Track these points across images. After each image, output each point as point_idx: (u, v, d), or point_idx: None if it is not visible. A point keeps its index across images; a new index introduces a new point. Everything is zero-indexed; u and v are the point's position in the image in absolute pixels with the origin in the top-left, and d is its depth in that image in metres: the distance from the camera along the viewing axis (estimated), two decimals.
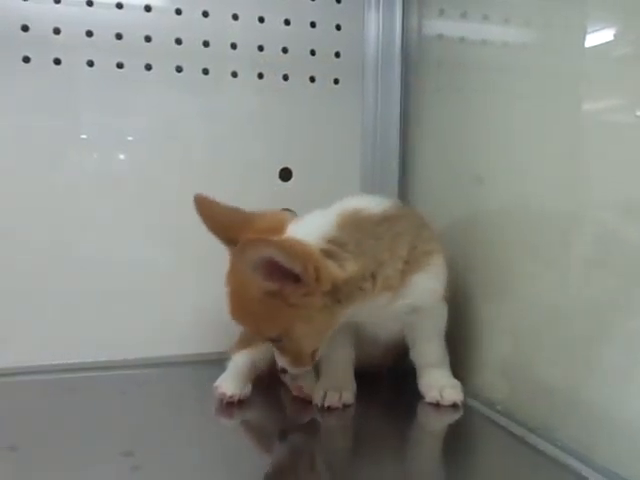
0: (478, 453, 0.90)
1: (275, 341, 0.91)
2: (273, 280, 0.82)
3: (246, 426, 0.98)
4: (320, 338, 0.91)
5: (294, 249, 0.81)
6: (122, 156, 1.20)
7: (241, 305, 0.89)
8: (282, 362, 0.93)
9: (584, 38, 0.82)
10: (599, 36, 0.81)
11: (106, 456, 0.82)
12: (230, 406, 0.98)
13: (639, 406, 0.74)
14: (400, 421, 0.98)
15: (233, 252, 0.91)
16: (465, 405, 0.98)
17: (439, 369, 1.02)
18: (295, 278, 0.82)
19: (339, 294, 0.87)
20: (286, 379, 1.04)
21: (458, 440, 0.93)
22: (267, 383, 1.05)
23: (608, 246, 0.79)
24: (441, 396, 0.98)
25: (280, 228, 0.89)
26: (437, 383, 1.00)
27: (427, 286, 0.96)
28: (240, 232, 0.90)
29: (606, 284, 0.79)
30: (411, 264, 0.93)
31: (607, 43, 0.80)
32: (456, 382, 1.01)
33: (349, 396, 0.99)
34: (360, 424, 0.96)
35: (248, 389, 1.01)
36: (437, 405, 0.98)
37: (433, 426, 0.98)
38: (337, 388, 0.99)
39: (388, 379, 1.11)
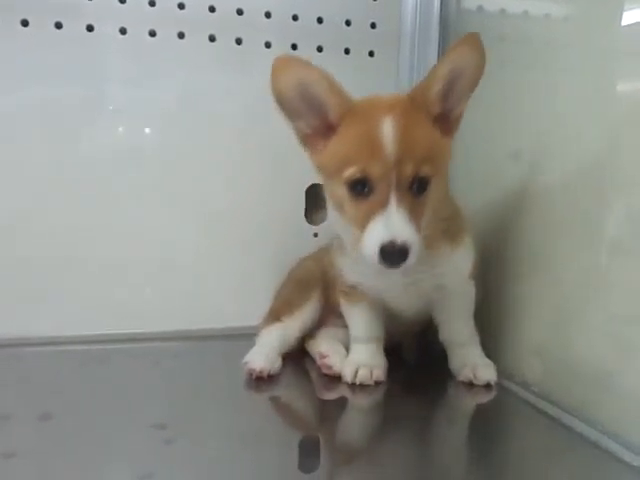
0: (511, 434, 0.89)
1: (414, 191, 0.82)
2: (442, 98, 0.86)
3: (275, 402, 0.97)
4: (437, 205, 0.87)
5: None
6: (149, 128, 1.19)
7: (413, 135, 0.82)
8: (414, 240, 0.80)
9: (621, 16, 0.81)
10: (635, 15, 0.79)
11: (139, 428, 0.82)
12: (259, 381, 0.97)
13: None
14: (431, 400, 0.97)
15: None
16: (499, 385, 0.97)
17: (470, 348, 1.01)
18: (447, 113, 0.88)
19: None
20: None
21: (491, 420, 0.91)
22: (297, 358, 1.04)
23: (638, 230, 0.78)
24: (474, 375, 0.97)
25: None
26: (470, 362, 0.99)
27: (454, 262, 0.95)
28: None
29: (635, 268, 0.78)
30: (447, 235, 0.93)
31: None
32: (489, 361, 1.00)
33: (380, 373, 0.98)
34: (391, 402, 0.95)
35: (278, 364, 1.01)
36: (470, 384, 0.97)
37: (465, 406, 0.97)
38: (368, 365, 0.98)
39: (420, 358, 1.10)
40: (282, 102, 0.87)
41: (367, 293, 0.99)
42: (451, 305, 1.00)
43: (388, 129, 0.81)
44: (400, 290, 0.96)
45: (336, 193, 0.87)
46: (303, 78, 0.85)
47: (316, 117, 0.87)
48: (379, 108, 0.84)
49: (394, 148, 0.81)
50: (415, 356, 1.11)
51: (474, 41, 0.84)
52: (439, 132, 0.86)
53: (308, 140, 0.90)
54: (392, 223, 0.80)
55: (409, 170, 0.81)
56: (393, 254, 0.80)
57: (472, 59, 0.84)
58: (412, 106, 0.85)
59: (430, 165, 0.83)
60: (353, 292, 1.00)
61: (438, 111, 0.86)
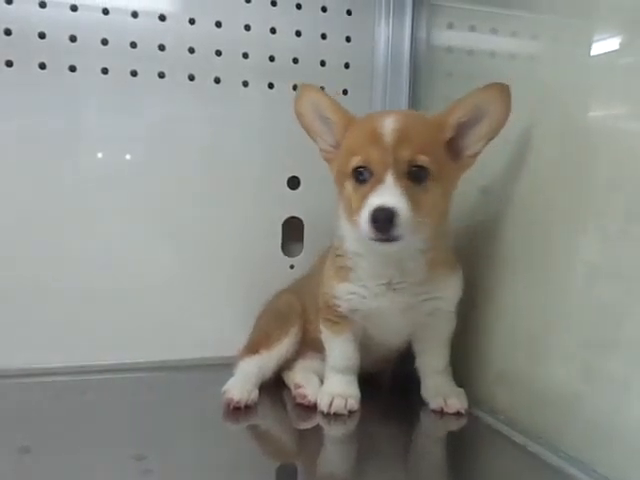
0: (481, 461, 0.91)
1: (412, 179, 0.87)
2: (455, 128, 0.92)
3: (252, 431, 0.99)
4: (438, 208, 0.92)
5: None
6: (130, 163, 1.21)
7: (415, 126, 0.91)
8: (402, 207, 0.84)
9: (590, 50, 0.84)
10: (604, 46, 0.83)
11: (118, 459, 0.83)
12: (237, 411, 0.99)
13: (639, 414, 0.75)
14: (404, 428, 1.00)
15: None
16: (468, 413, 1.00)
17: (443, 377, 1.04)
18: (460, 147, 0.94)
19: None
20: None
21: (461, 448, 0.94)
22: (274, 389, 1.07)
23: (609, 255, 0.81)
24: (445, 403, 1.00)
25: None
26: (441, 391, 1.02)
27: (451, 286, 1.00)
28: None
29: (607, 292, 0.81)
30: (447, 262, 0.99)
31: (612, 52, 0.82)
32: (460, 390, 1.03)
33: (354, 403, 1.01)
34: (364, 431, 0.97)
35: (255, 395, 1.03)
36: (441, 412, 1.00)
37: (437, 433, 1.00)
38: (343, 395, 1.00)
39: (391, 386, 1.13)
40: (301, 120, 1.01)
41: (356, 322, 1.02)
42: (434, 333, 1.03)
43: (388, 122, 0.89)
44: (396, 318, 0.99)
45: (347, 192, 0.93)
46: (314, 100, 0.99)
47: (329, 134, 0.99)
48: (386, 112, 0.99)
49: (393, 134, 0.88)
50: (388, 385, 1.13)
51: (504, 90, 0.91)
52: (447, 154, 0.93)
53: (327, 156, 1.02)
54: (384, 193, 0.86)
55: (405, 154, 0.87)
56: (381, 217, 0.84)
57: (498, 106, 0.91)
58: (424, 119, 0.96)
59: (428, 158, 0.88)
60: (340, 321, 1.02)
61: (451, 136, 0.92)
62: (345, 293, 1.00)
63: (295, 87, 1.27)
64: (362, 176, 0.90)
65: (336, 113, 0.98)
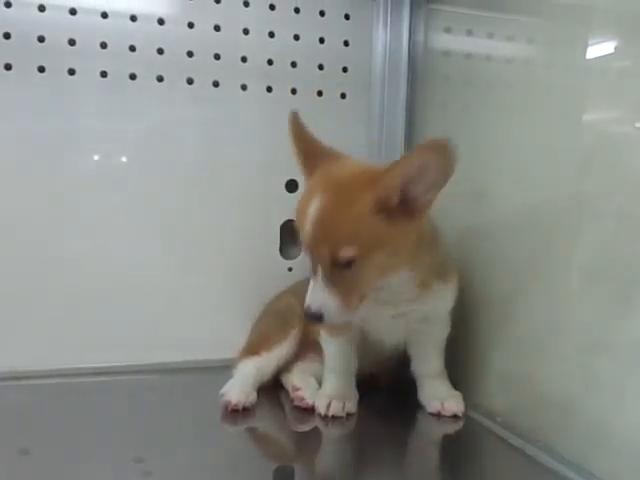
0: (478, 464, 0.92)
1: (340, 267, 0.85)
2: (400, 192, 0.85)
3: (250, 433, 1.00)
4: (379, 280, 0.90)
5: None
6: (127, 166, 1.21)
7: (334, 217, 0.85)
8: (327, 306, 0.86)
9: (585, 54, 0.85)
10: (600, 50, 0.83)
11: (116, 461, 0.84)
12: (235, 413, 0.99)
13: (636, 419, 0.75)
14: (401, 431, 1.00)
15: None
16: (466, 416, 1.00)
17: (440, 380, 1.05)
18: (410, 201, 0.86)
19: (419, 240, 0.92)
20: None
21: (458, 451, 0.95)
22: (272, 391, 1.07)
23: (605, 260, 0.81)
24: (442, 407, 1.01)
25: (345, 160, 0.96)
26: (439, 394, 1.03)
27: (443, 295, 1.00)
28: (321, 162, 0.94)
29: (604, 297, 0.81)
30: (439, 273, 0.98)
31: (607, 56, 0.82)
32: (457, 393, 1.04)
33: (352, 406, 1.01)
34: (362, 433, 0.98)
35: (253, 397, 1.03)
36: (438, 415, 1.01)
37: (434, 436, 1.00)
38: (341, 397, 1.01)
39: (389, 389, 1.13)
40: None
41: (352, 325, 1.02)
42: (428, 338, 1.04)
43: (313, 210, 0.85)
44: (388, 321, 1.00)
45: None
46: (293, 134, 0.97)
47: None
48: (321, 183, 0.89)
49: (311, 231, 0.85)
50: (386, 388, 1.13)
51: (441, 148, 0.82)
52: (390, 218, 0.85)
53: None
54: (313, 290, 0.88)
55: (324, 252, 0.85)
56: (309, 316, 0.88)
57: (438, 164, 0.82)
58: (359, 186, 0.85)
59: (352, 249, 0.84)
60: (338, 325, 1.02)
61: (398, 201, 0.85)
62: None
63: (294, 91, 1.28)
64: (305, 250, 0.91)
65: (299, 156, 0.97)
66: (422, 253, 0.93)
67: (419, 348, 1.05)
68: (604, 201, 0.82)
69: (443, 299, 1.00)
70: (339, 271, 0.85)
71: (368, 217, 0.84)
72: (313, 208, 0.85)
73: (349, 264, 0.85)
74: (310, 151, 0.95)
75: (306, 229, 0.86)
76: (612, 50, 0.82)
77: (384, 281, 0.90)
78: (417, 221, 0.88)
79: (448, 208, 1.19)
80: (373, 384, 1.09)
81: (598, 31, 0.84)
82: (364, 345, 1.05)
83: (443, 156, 0.82)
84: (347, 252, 0.84)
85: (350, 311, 0.88)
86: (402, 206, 0.85)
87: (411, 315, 0.99)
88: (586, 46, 0.85)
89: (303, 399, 1.02)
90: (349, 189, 0.86)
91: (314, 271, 0.87)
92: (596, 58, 0.84)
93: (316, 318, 0.87)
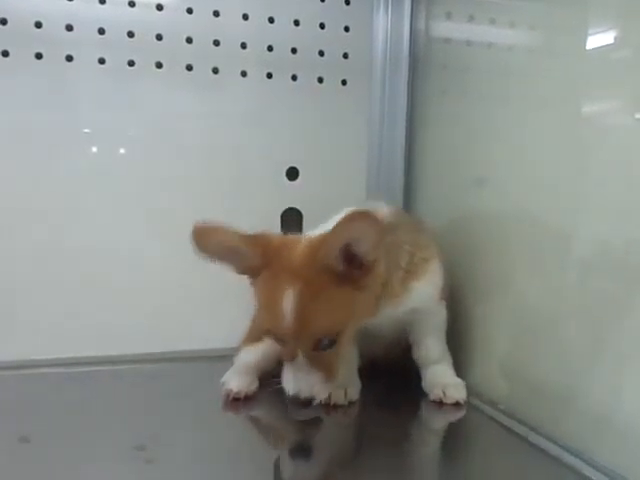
0: (480, 451, 0.92)
1: (321, 349, 0.86)
2: (345, 263, 0.84)
3: (252, 422, 0.99)
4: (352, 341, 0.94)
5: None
6: (126, 153, 1.21)
7: (311, 306, 0.83)
8: (316, 388, 0.87)
9: (585, 41, 0.84)
10: (600, 39, 0.83)
11: (118, 450, 0.84)
12: (236, 401, 0.99)
13: (637, 406, 0.75)
14: (403, 419, 1.00)
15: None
16: (468, 403, 1.00)
17: (442, 367, 1.04)
18: (358, 265, 0.84)
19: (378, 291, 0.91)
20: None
21: (460, 438, 0.95)
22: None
23: (604, 249, 0.81)
24: (444, 394, 1.00)
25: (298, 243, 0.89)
26: (440, 381, 1.02)
27: (424, 292, 0.99)
28: (268, 249, 0.89)
29: (605, 285, 0.81)
30: (410, 272, 0.97)
31: (608, 46, 0.81)
32: (459, 380, 1.03)
33: (354, 393, 1.01)
34: (364, 422, 0.98)
35: (254, 385, 1.03)
36: (440, 403, 1.00)
37: (436, 424, 1.00)
38: (342, 385, 1.00)
39: (391, 377, 1.13)
40: (210, 259, 0.90)
41: None
42: (424, 325, 1.04)
43: (287, 303, 0.83)
44: (380, 316, 0.98)
45: None
46: (220, 237, 0.89)
47: (243, 262, 0.90)
48: (284, 275, 0.85)
49: (291, 324, 0.83)
50: (388, 375, 1.13)
51: (363, 218, 0.79)
52: (348, 288, 0.85)
53: (246, 275, 0.92)
54: (297, 377, 0.86)
55: (308, 342, 0.85)
56: (299, 403, 0.86)
57: (363, 232, 0.80)
58: (316, 269, 0.84)
59: (334, 331, 0.86)
60: None
61: (342, 268, 0.84)
62: None
63: (294, 77, 1.26)
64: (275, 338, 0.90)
65: (252, 247, 0.88)
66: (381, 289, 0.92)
67: (418, 334, 1.05)
68: (604, 192, 0.81)
69: (423, 294, 0.99)
70: (319, 352, 0.86)
71: (335, 295, 0.84)
72: (287, 302, 0.83)
73: (331, 345, 0.86)
74: (258, 244, 0.89)
75: (283, 322, 0.84)
76: (612, 39, 0.81)
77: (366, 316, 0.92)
78: (374, 275, 0.87)
79: (447, 195, 1.20)
80: (375, 372, 1.09)
81: (599, 19, 0.83)
82: (363, 333, 1.04)
83: (364, 224, 0.79)
84: (330, 335, 0.86)
85: (334, 381, 0.90)
86: (351, 269, 0.84)
87: (396, 312, 0.98)
88: (587, 34, 0.84)
89: None
90: (310, 274, 0.83)
91: (291, 356, 0.86)
92: (597, 47, 0.83)
93: (307, 403, 0.87)
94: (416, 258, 0.98)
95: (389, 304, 0.95)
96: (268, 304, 0.87)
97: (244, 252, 0.88)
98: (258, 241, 0.89)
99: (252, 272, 0.90)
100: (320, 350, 0.86)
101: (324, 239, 0.84)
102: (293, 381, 0.86)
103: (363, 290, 0.87)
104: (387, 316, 0.98)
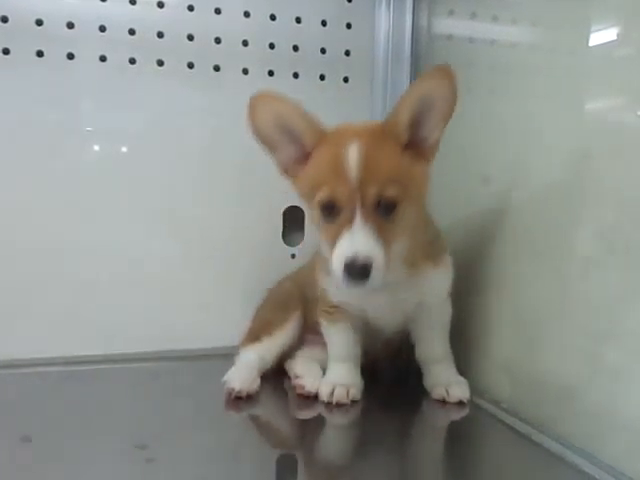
0: (483, 450, 0.91)
1: (380, 214, 0.84)
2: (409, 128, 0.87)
3: (254, 420, 0.99)
4: (408, 233, 0.89)
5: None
6: (128, 151, 1.21)
7: (376, 157, 0.85)
8: (375, 256, 0.82)
9: (588, 40, 0.84)
10: (603, 36, 0.82)
11: (120, 449, 0.83)
12: (238, 400, 0.99)
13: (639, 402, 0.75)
14: (406, 418, 1.00)
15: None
16: (471, 402, 1.00)
17: (444, 366, 1.04)
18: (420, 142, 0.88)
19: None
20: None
21: (464, 437, 0.94)
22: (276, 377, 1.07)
23: (610, 244, 0.80)
24: (447, 393, 1.00)
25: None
26: (443, 380, 1.02)
27: (438, 281, 0.99)
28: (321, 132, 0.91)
29: (607, 282, 0.80)
30: (430, 254, 0.97)
31: (611, 42, 0.81)
32: (462, 379, 1.03)
33: (356, 392, 1.00)
34: (366, 420, 0.97)
35: (256, 384, 1.03)
36: (443, 402, 1.00)
37: (439, 423, 0.99)
38: (345, 384, 1.00)
39: (394, 375, 1.12)
40: (260, 136, 0.92)
41: (349, 312, 1.01)
42: (429, 322, 1.03)
43: (353, 153, 0.84)
44: (383, 308, 0.99)
45: (313, 216, 0.91)
46: (278, 111, 0.89)
47: (293, 147, 0.92)
48: (348, 134, 0.88)
49: (357, 171, 0.84)
50: (391, 374, 1.13)
51: (445, 73, 0.84)
52: (411, 158, 0.88)
53: (288, 170, 0.94)
54: (356, 239, 0.83)
55: (372, 191, 0.84)
56: (355, 269, 0.82)
57: (442, 90, 0.85)
58: (381, 133, 0.87)
59: (396, 188, 0.85)
60: (335, 311, 1.02)
61: (408, 138, 0.88)
62: (331, 286, 0.99)
63: (296, 75, 1.26)
64: (329, 211, 0.87)
65: (307, 126, 0.90)
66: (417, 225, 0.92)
67: (421, 333, 1.04)
68: (606, 187, 0.81)
69: (436, 284, 0.99)
70: (380, 218, 0.84)
71: (402, 158, 0.87)
72: (352, 154, 0.84)
73: (390, 209, 0.85)
74: (315, 122, 0.91)
75: (347, 176, 0.84)
76: (615, 36, 0.81)
77: (407, 239, 0.90)
78: (429, 163, 0.90)
79: (450, 192, 1.19)
80: (378, 370, 1.09)
81: (601, 17, 0.83)
82: (365, 332, 1.05)
83: (444, 80, 0.84)
84: (393, 191, 0.84)
85: (389, 257, 0.85)
86: (413, 147, 0.88)
87: (405, 302, 0.98)
88: (589, 31, 0.83)
89: (304, 387, 1.02)
90: (376, 135, 0.86)
91: (349, 220, 0.83)
92: (599, 45, 0.83)
93: (362, 273, 0.82)
94: (437, 242, 0.99)
95: (405, 273, 0.94)
96: (329, 166, 0.86)
97: (300, 130, 0.90)
98: (315, 121, 0.90)
99: (299, 160, 0.91)
100: (379, 216, 0.84)
101: (399, 98, 0.87)
102: (348, 244, 0.83)
103: (423, 163, 0.89)
104: (392, 306, 0.97)
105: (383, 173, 0.85)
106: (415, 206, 0.90)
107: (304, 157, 0.91)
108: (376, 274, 0.82)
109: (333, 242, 0.85)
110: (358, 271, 0.82)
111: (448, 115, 0.87)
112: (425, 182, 0.91)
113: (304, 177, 0.91)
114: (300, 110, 0.90)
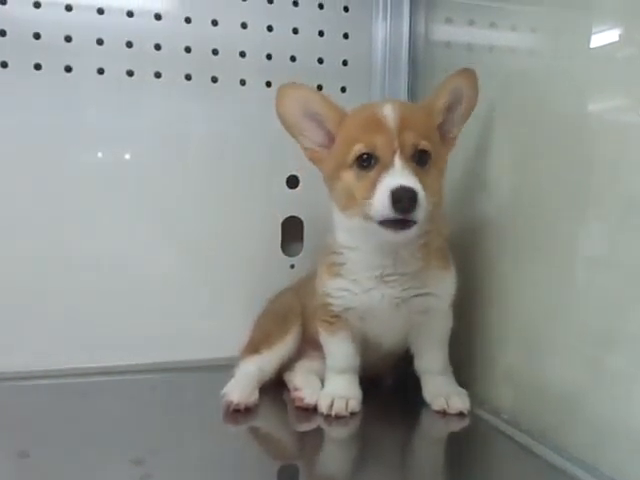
0: (484, 462, 0.91)
1: (417, 162, 0.89)
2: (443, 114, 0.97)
3: (253, 433, 0.98)
4: (436, 196, 0.92)
5: None
6: (126, 163, 1.21)
7: (414, 113, 0.94)
8: (418, 187, 0.85)
9: (589, 43, 0.83)
10: (604, 39, 0.82)
11: (117, 463, 0.83)
12: (237, 413, 0.98)
13: None
14: (406, 429, 0.99)
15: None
16: (471, 413, 0.99)
17: (444, 377, 1.03)
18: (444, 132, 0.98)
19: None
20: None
21: (464, 449, 0.93)
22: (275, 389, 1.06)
23: (611, 248, 0.80)
24: (447, 404, 0.99)
25: None
26: (443, 391, 1.01)
27: (444, 281, 0.99)
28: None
29: (609, 290, 0.80)
30: (440, 256, 0.98)
31: (612, 45, 0.81)
32: (462, 390, 1.02)
33: (355, 404, 1.00)
34: (366, 432, 0.96)
35: (255, 396, 1.02)
36: (443, 413, 0.99)
37: (439, 434, 0.98)
38: (344, 396, 0.99)
39: (393, 387, 1.12)
40: (287, 122, 0.99)
41: (351, 321, 1.01)
42: (429, 333, 1.02)
43: (389, 109, 0.91)
44: (389, 310, 0.98)
45: (345, 183, 0.93)
46: (303, 97, 0.97)
47: (318, 131, 0.98)
48: (379, 102, 0.98)
49: (396, 121, 0.89)
50: (390, 386, 1.12)
51: (471, 73, 0.98)
52: (439, 138, 0.96)
53: (315, 155, 1.00)
54: (399, 175, 0.86)
55: (411, 139, 0.89)
56: (404, 197, 0.84)
57: (469, 88, 0.97)
58: (416, 105, 1.02)
59: (430, 144, 0.91)
60: (335, 321, 1.02)
61: (440, 122, 0.97)
62: (336, 290, 0.99)
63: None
64: (366, 163, 0.90)
65: (329, 108, 0.97)
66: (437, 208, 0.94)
67: (421, 344, 1.04)
68: (609, 189, 0.80)
69: (444, 284, 0.99)
70: (416, 167, 0.88)
71: (433, 126, 0.95)
72: (389, 110, 0.91)
73: (425, 160, 0.90)
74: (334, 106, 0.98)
75: (385, 125, 0.89)
76: (617, 38, 0.80)
77: (439, 200, 0.94)
78: (449, 150, 0.98)
79: (452, 199, 1.19)
80: (377, 382, 1.08)
81: (602, 19, 0.83)
82: (365, 344, 1.04)
83: (473, 80, 0.97)
84: (427, 144, 0.90)
85: (427, 213, 0.87)
86: (440, 131, 0.97)
87: (412, 304, 0.97)
88: (590, 34, 0.83)
89: (302, 400, 1.01)
90: (412, 104, 1.03)
91: (388, 166, 0.87)
92: (600, 46, 0.83)
93: (410, 198, 0.84)
94: (445, 249, 1.00)
95: (418, 265, 0.95)
96: (364, 123, 0.92)
97: (323, 113, 0.97)
98: (338, 105, 0.98)
99: (324, 144, 0.98)
100: (415, 162, 0.89)
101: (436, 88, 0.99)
102: (393, 179, 0.85)
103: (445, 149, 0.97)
104: (396, 314, 0.97)
105: (420, 127, 0.91)
106: (440, 174, 0.96)
107: (329, 141, 0.98)
108: (420, 208, 0.85)
109: (371, 189, 0.87)
110: (407, 196, 0.84)
111: (469, 113, 0.98)
112: (446, 164, 0.98)
113: (334, 149, 0.96)
114: (323, 96, 0.98)
